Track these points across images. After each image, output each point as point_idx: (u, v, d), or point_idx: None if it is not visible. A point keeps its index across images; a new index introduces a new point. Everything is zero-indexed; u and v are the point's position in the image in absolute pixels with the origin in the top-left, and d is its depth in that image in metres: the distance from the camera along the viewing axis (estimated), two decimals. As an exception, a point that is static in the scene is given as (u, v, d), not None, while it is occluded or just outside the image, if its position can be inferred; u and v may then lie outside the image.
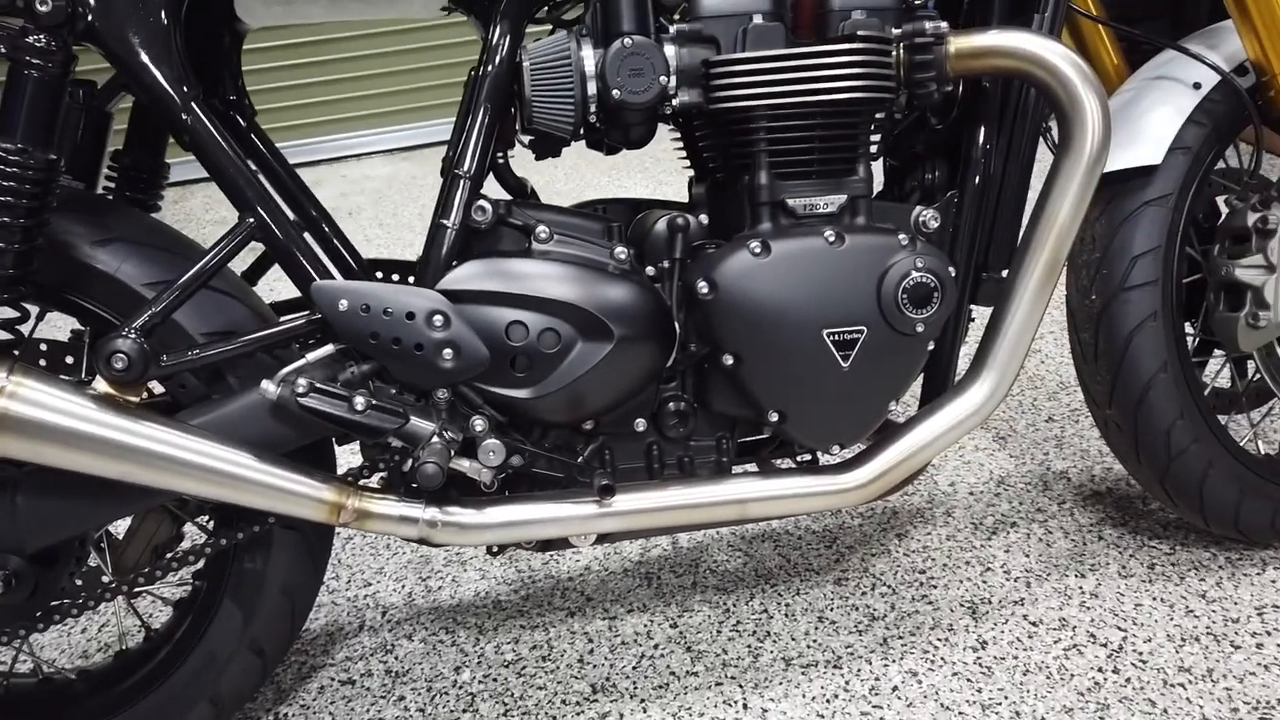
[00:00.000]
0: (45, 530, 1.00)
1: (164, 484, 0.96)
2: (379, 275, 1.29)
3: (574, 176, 3.82)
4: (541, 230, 1.08)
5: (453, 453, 1.02)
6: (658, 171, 3.85)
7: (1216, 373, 1.41)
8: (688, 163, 1.27)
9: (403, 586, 1.52)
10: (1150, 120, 1.23)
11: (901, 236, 1.07)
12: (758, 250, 1.05)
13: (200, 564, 1.14)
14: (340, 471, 1.10)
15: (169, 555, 1.08)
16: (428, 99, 4.63)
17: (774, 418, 1.10)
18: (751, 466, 1.20)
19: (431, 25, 4.54)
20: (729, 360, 1.07)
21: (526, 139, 1.16)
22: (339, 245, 1.31)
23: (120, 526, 1.16)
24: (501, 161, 1.13)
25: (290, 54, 4.33)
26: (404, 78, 4.59)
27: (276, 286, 2.56)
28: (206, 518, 1.22)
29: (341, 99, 4.53)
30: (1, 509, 0.98)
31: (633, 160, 4.00)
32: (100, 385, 0.95)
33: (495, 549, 1.20)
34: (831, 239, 1.05)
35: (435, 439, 1.01)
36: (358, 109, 4.54)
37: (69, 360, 1.11)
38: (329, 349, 1.03)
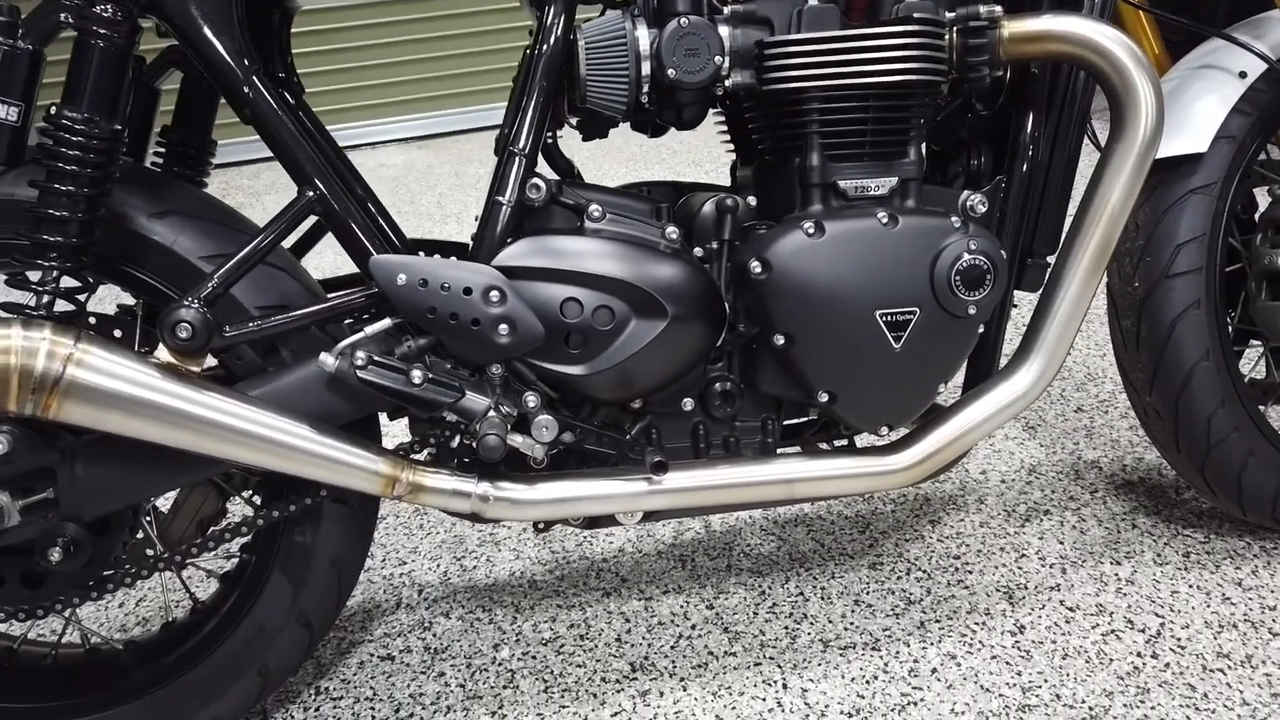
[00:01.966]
0: (103, 498, 1.00)
1: (224, 454, 0.97)
2: (420, 255, 1.30)
3: (589, 169, 3.82)
4: (595, 209, 1.09)
5: (509, 427, 1.03)
6: (675, 163, 3.86)
7: (1255, 363, 1.42)
8: (730, 146, 1.28)
9: (438, 565, 1.53)
10: (1196, 108, 1.24)
11: (954, 219, 1.08)
12: (811, 230, 1.05)
13: (250, 537, 1.15)
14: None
15: (217, 528, 1.09)
16: (443, 88, 4.63)
17: (824, 398, 1.10)
18: (795, 448, 1.21)
19: (448, 14, 4.54)
20: (780, 340, 1.08)
21: (574, 120, 1.17)
22: (384, 224, 1.31)
23: (165, 502, 1.17)
24: (551, 141, 1.14)
25: (307, 41, 4.33)
26: (419, 66, 4.59)
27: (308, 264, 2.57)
28: (250, 492, 1.23)
29: (357, 87, 4.53)
30: (61, 476, 0.99)
31: (650, 153, 4.00)
32: (162, 354, 0.96)
33: (542, 525, 1.20)
34: (885, 220, 1.06)
35: (492, 413, 1.01)
36: (373, 97, 4.54)
37: (117, 334, 1.12)
38: (386, 323, 1.03)
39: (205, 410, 0.95)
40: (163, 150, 1.22)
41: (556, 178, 1.13)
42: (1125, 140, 1.07)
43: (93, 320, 1.08)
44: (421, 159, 4.26)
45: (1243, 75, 1.24)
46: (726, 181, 1.29)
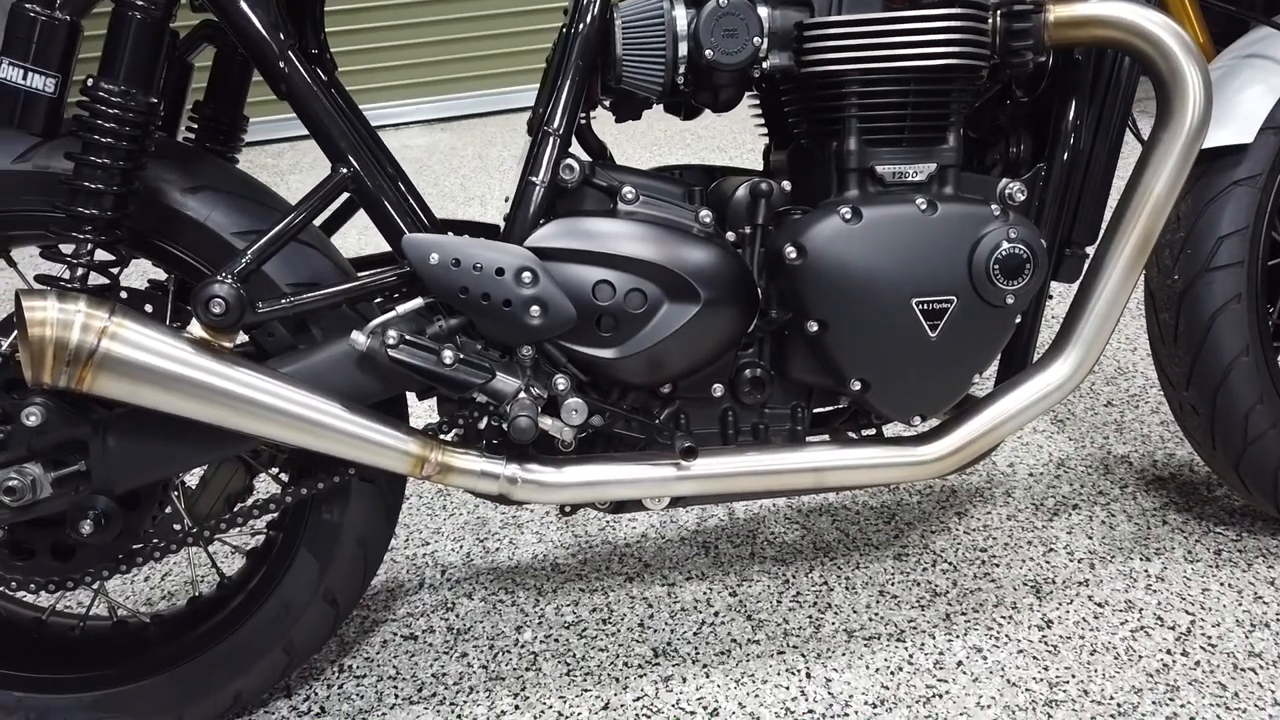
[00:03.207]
0: (134, 472, 1.00)
1: (256, 430, 0.97)
2: (451, 234, 1.29)
3: (614, 153, 3.80)
4: (628, 191, 1.08)
5: (540, 412, 1.02)
6: (700, 149, 3.83)
7: (1293, 359, 1.39)
8: (764, 130, 1.26)
9: (460, 547, 1.53)
10: (1243, 98, 1.21)
11: (994, 207, 1.06)
12: (848, 216, 1.04)
13: (277, 514, 1.15)
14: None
15: (245, 504, 1.09)
16: (467, 70, 4.62)
17: (856, 386, 1.09)
18: (824, 437, 1.20)
19: (474, -5, 4.53)
20: (813, 327, 1.07)
21: (608, 101, 1.15)
22: (415, 203, 1.31)
23: (192, 478, 1.17)
24: (584, 122, 1.13)
25: (333, 21, 4.33)
26: (444, 48, 4.58)
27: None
28: (278, 470, 1.23)
29: (382, 68, 4.53)
30: (93, 449, 0.99)
31: (675, 138, 3.98)
32: (195, 329, 0.96)
33: (568, 509, 1.20)
34: (924, 207, 1.04)
35: (523, 394, 1.01)
36: (397, 78, 4.54)
37: (148, 308, 1.12)
38: (418, 302, 1.03)
39: (238, 386, 0.95)
40: (195, 125, 1.22)
41: (589, 159, 1.12)
42: (1171, 129, 1.05)
43: (125, 295, 1.08)
44: (445, 141, 4.26)
45: (1291, 65, 1.22)
46: (758, 167, 1.28)
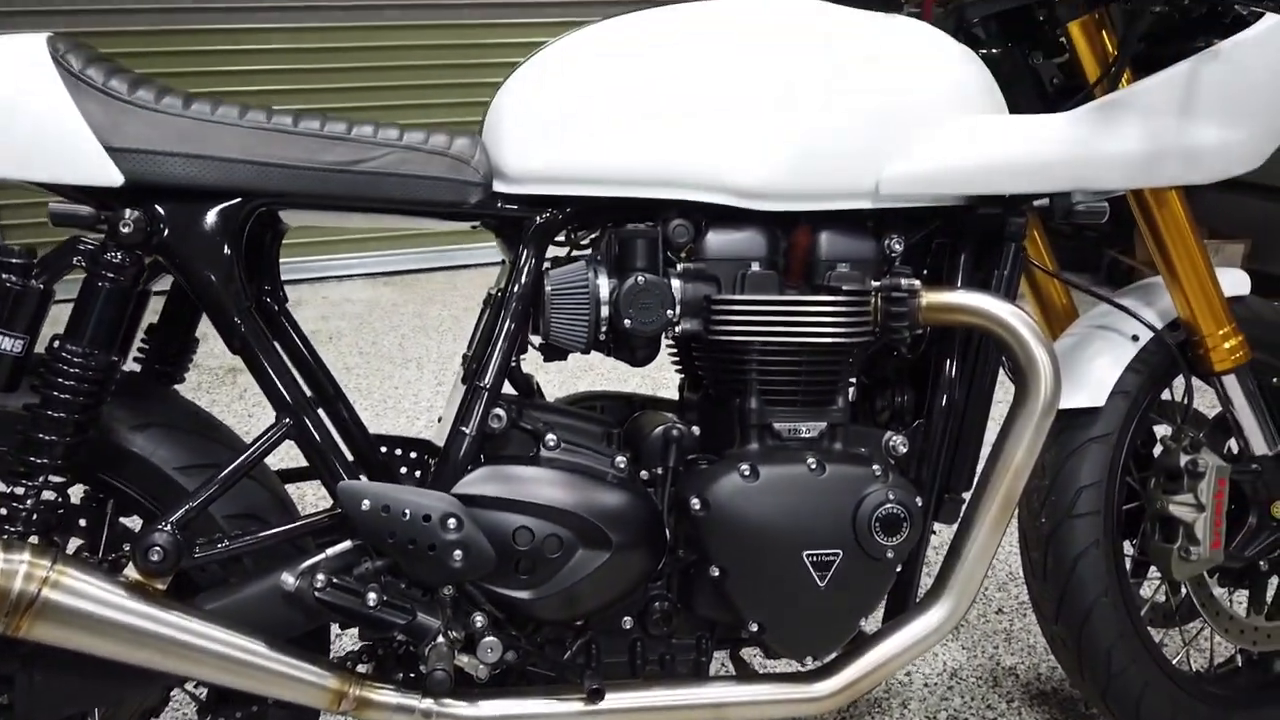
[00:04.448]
0: (59, 707, 1.03)
1: (184, 671, 1.01)
2: (383, 450, 1.36)
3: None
4: (550, 438, 1.18)
5: (456, 652, 1.09)
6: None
7: (1155, 591, 1.53)
8: (680, 370, 1.39)
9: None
10: (1094, 366, 1.38)
11: (875, 467, 1.19)
12: (747, 473, 1.15)
13: (193, 738, 1.18)
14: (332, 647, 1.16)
15: (162, 726, 1.12)
16: (410, 225, 4.78)
17: (754, 628, 1.18)
18: (730, 669, 1.28)
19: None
20: (715, 572, 1.16)
21: (537, 343, 1.27)
22: (349, 423, 1.39)
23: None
24: (514, 365, 1.24)
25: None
26: (392, 206, 4.74)
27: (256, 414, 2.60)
28: (194, 685, 1.25)
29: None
30: (19, 684, 1.02)
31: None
32: (131, 573, 1.01)
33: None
34: (814, 466, 1.16)
35: (440, 639, 1.08)
36: (341, 232, 4.66)
37: (82, 523, 1.16)
38: (347, 545, 1.10)
39: (169, 630, 1.00)
40: (145, 348, 1.29)
41: (516, 398, 1.22)
42: (1027, 406, 1.20)
43: (61, 511, 1.13)
44: (387, 296, 4.37)
45: (1135, 339, 1.39)
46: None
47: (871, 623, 1.27)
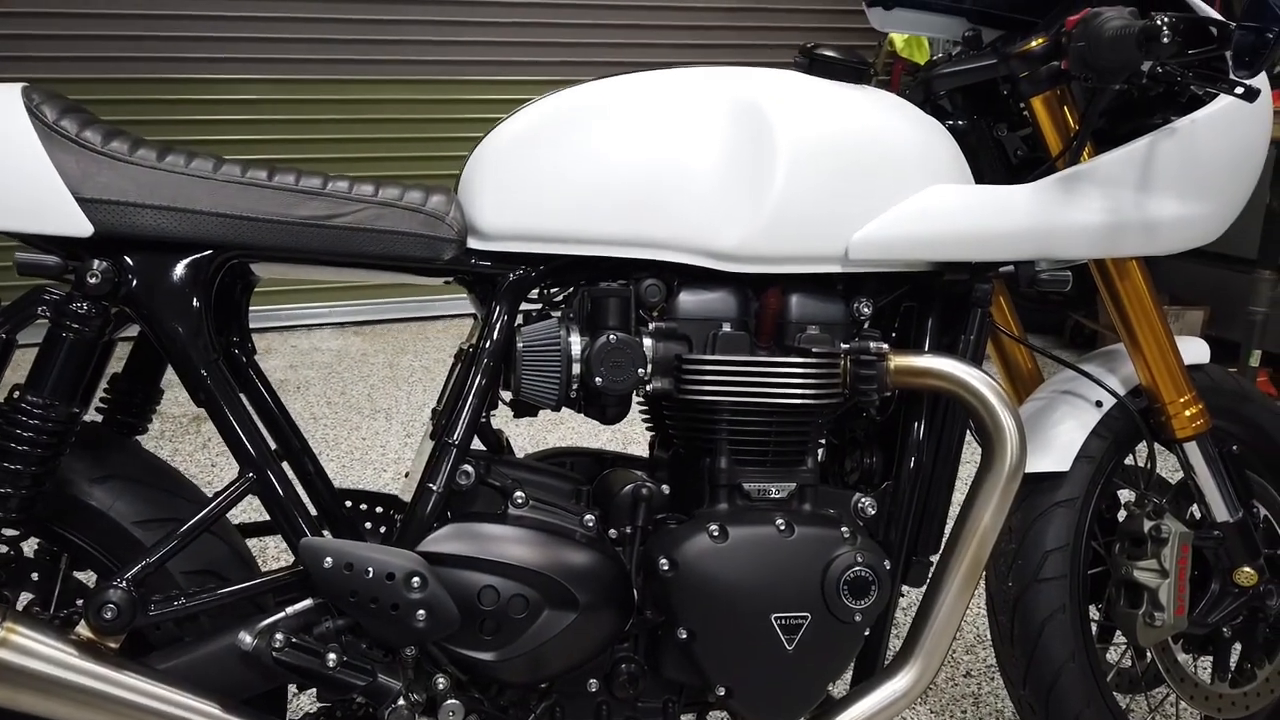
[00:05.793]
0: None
1: (132, 734, 0.98)
2: (348, 505, 1.35)
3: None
4: (519, 495, 1.17)
5: (417, 715, 1.07)
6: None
7: (1120, 656, 1.53)
8: (650, 427, 1.39)
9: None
10: (1059, 431, 1.40)
11: (844, 529, 1.18)
12: (716, 534, 1.15)
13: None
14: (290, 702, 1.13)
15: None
16: (384, 277, 4.78)
17: (721, 691, 1.17)
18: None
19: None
20: (683, 634, 1.15)
21: (507, 398, 1.26)
22: (314, 477, 1.37)
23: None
24: (484, 420, 1.23)
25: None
26: (365, 256, 4.74)
27: (220, 464, 2.55)
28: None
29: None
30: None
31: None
32: (84, 630, 0.99)
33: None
34: (783, 528, 1.16)
35: (401, 701, 1.05)
36: (312, 280, 4.66)
37: (34, 576, 1.13)
38: (308, 603, 1.08)
39: (120, 691, 0.97)
40: (107, 399, 1.27)
41: (485, 454, 1.21)
42: (994, 470, 1.21)
43: (13, 565, 1.10)
44: (357, 345, 4.35)
45: (1099, 404, 1.42)
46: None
47: (839, 686, 1.26)
